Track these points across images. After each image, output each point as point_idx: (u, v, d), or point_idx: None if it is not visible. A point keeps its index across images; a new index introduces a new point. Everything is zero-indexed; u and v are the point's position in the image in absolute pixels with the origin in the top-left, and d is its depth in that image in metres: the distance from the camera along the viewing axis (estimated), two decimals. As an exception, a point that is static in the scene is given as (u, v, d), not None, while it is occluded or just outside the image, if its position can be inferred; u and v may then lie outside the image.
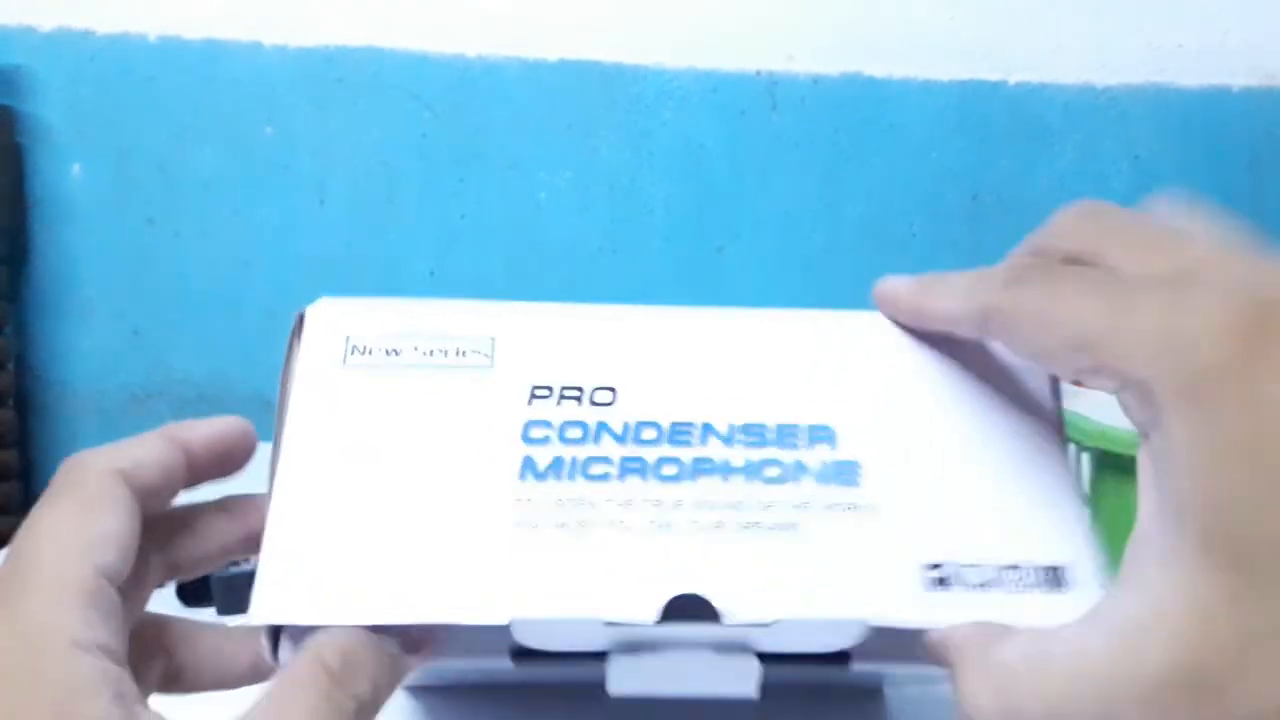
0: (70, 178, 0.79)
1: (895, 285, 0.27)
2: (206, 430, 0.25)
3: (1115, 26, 0.82)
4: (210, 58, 0.79)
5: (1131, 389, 0.18)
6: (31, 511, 0.21)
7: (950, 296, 0.24)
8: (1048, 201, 0.91)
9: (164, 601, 0.52)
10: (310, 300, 0.91)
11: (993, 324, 0.22)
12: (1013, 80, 0.82)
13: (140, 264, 0.81)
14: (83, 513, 0.20)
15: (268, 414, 0.97)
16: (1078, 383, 0.22)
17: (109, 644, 0.18)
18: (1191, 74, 0.83)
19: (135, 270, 0.81)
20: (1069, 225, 0.23)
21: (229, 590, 0.50)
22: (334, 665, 0.20)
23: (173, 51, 0.78)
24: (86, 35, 0.78)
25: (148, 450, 0.23)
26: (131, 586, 0.22)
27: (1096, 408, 0.56)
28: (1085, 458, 0.56)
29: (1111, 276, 0.20)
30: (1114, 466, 0.53)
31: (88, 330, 0.82)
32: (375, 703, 0.21)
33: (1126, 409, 0.19)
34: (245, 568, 0.53)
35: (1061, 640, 0.19)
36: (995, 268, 0.23)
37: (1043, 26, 0.81)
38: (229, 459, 0.25)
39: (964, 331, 0.24)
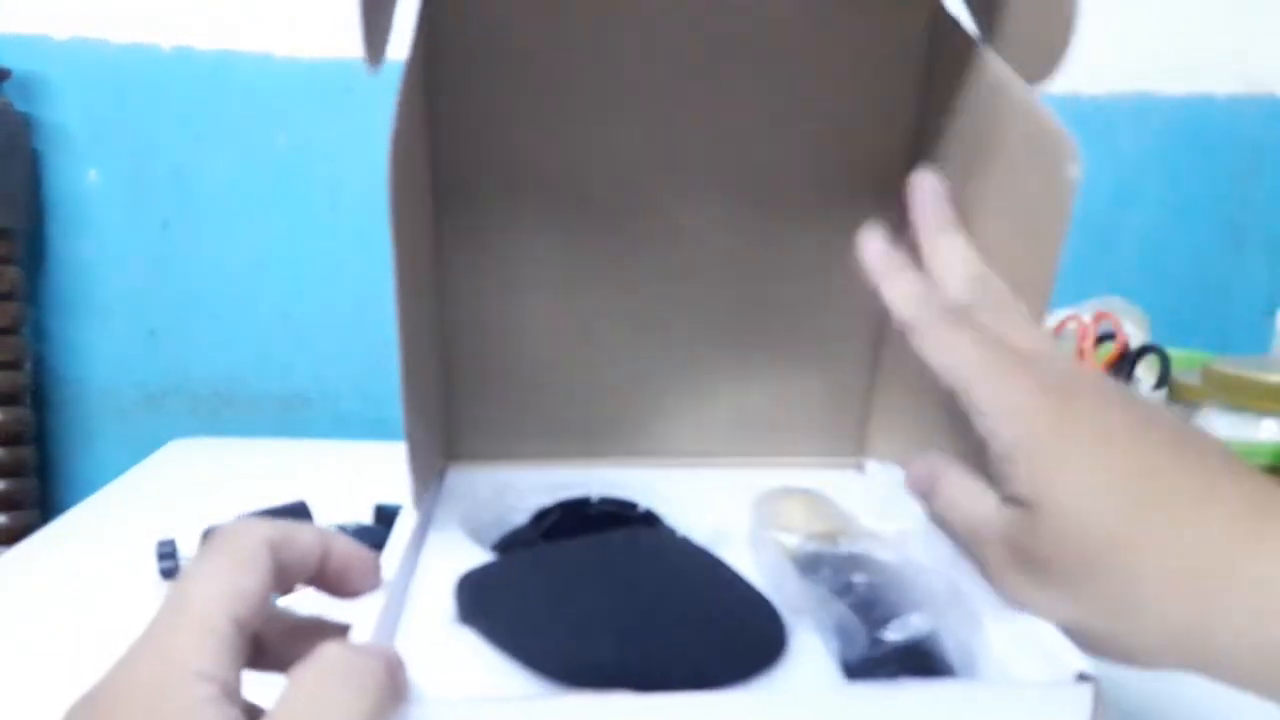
0: (87, 182, 0.82)
1: (873, 248, 0.35)
2: (347, 545, 0.28)
3: (1100, 36, 0.83)
4: (223, 67, 0.81)
5: (984, 414, 0.28)
6: (195, 556, 0.25)
7: (895, 290, 0.33)
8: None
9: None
10: (319, 301, 0.94)
11: (913, 335, 0.31)
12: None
13: (156, 266, 0.83)
14: (231, 569, 0.24)
15: (281, 412, 0.99)
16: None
17: (228, 680, 0.22)
18: (1175, 83, 0.84)
19: (151, 272, 0.83)
20: (977, 285, 0.33)
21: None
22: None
23: (186, 61, 0.81)
24: (102, 44, 0.80)
25: (298, 533, 0.26)
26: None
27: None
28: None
29: (993, 343, 0.29)
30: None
31: (104, 331, 0.84)
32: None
33: (976, 421, 0.28)
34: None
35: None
36: (937, 292, 0.32)
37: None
38: (348, 579, 0.28)
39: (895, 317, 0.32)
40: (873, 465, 0.47)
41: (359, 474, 0.66)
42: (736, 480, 0.42)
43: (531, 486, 0.41)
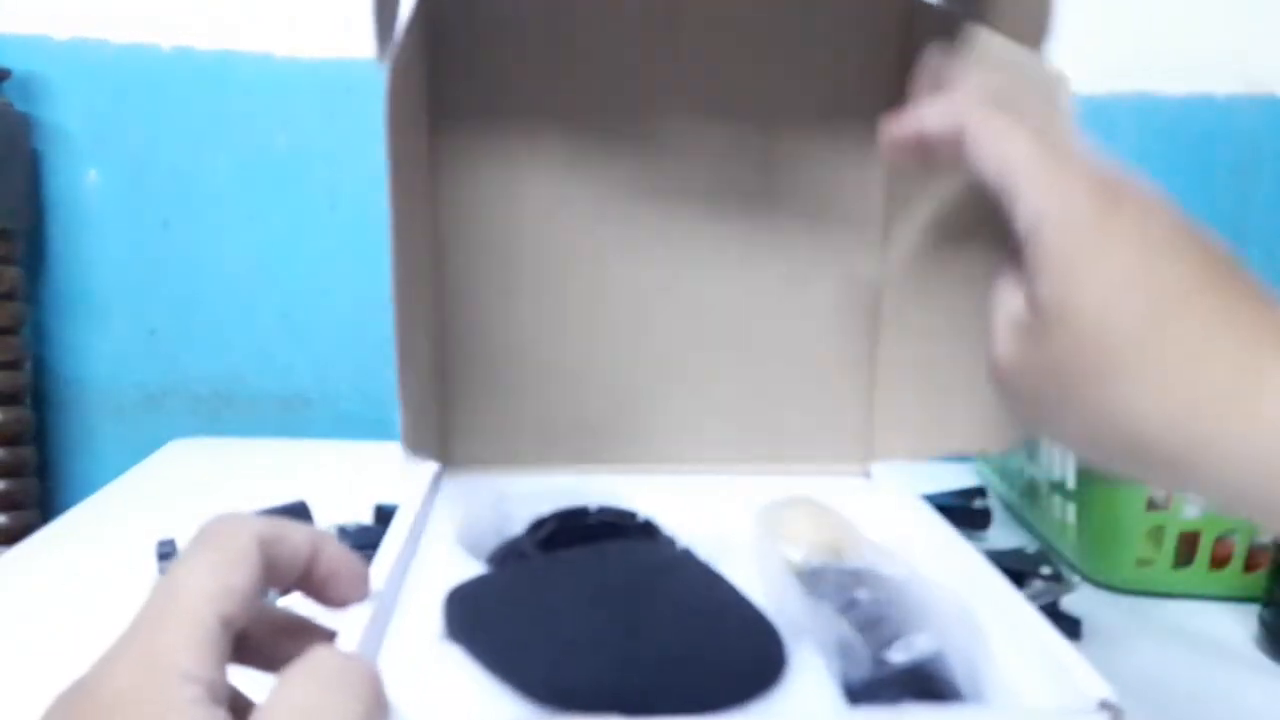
0: (87, 183, 0.82)
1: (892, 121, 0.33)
2: (338, 551, 0.27)
3: (1100, 37, 0.83)
4: (223, 67, 0.81)
5: (1029, 204, 0.27)
6: (185, 550, 0.24)
7: (933, 108, 0.31)
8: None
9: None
10: (319, 301, 0.93)
11: (964, 136, 0.29)
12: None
13: (155, 267, 0.83)
14: (221, 566, 0.23)
15: (281, 413, 0.99)
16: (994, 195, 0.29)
17: (214, 680, 0.21)
18: (1176, 83, 0.84)
19: (150, 273, 0.83)
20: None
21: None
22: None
23: (187, 61, 0.80)
24: (102, 44, 0.80)
25: (290, 531, 0.25)
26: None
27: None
28: (1071, 457, 0.58)
29: (1044, 140, 0.28)
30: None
31: (104, 331, 0.84)
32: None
33: (1019, 215, 0.28)
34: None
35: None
36: (969, 93, 0.31)
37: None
38: (335, 585, 0.27)
39: (940, 140, 0.31)
40: (879, 470, 0.46)
41: (359, 474, 0.66)
42: (738, 488, 0.42)
43: (528, 494, 0.41)
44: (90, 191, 0.82)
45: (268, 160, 0.82)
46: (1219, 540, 0.55)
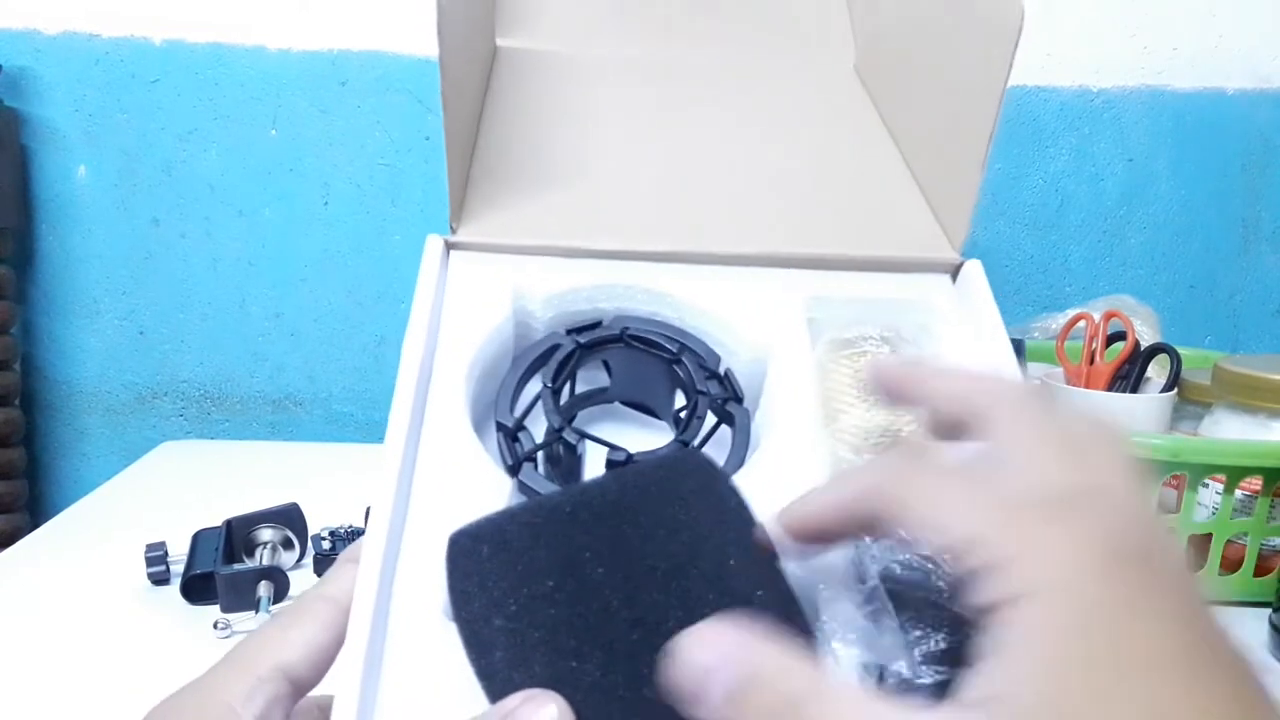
0: (76, 179, 0.80)
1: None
2: None
3: (1110, 30, 0.82)
4: (215, 61, 0.79)
5: (998, 584, 0.18)
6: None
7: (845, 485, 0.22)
8: (1043, 203, 0.90)
9: (169, 598, 0.53)
10: (311, 300, 0.92)
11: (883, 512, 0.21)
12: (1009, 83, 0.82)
13: (145, 265, 0.82)
14: (286, 620, 0.25)
15: (272, 413, 0.98)
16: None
17: (262, 716, 0.23)
18: (1186, 77, 0.83)
19: (140, 271, 0.82)
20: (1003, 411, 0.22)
21: (233, 588, 0.51)
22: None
23: (178, 55, 0.79)
24: (92, 39, 0.79)
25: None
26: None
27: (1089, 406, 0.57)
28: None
29: (1001, 487, 0.20)
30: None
31: (93, 330, 0.83)
32: None
33: (977, 591, 0.19)
34: (248, 565, 0.54)
35: None
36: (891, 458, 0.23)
37: (1039, 30, 0.82)
38: None
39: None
40: (971, 269, 0.36)
41: (351, 476, 0.65)
42: (793, 286, 0.35)
43: (550, 295, 0.34)
44: (80, 188, 0.81)
45: (260, 155, 0.81)
46: (1230, 544, 0.55)
